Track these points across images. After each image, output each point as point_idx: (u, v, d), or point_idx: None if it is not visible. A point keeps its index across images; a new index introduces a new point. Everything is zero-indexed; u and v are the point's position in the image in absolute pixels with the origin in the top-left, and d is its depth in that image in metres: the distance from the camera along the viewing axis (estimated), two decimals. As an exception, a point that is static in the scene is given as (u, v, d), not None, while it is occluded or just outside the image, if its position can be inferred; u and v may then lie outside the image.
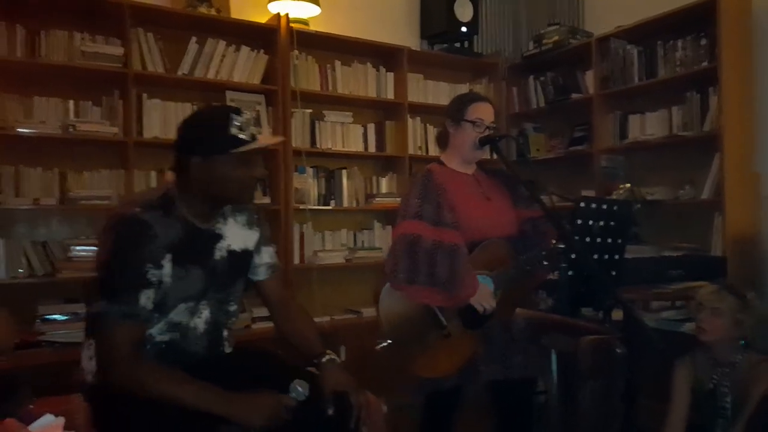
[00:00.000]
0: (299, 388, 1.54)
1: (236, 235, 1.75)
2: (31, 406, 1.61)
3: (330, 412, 1.57)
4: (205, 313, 1.68)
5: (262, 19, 3.62)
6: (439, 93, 4.20)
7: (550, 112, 4.28)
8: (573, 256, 1.93)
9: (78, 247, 2.94)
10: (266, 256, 1.85)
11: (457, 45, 4.30)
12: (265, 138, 1.92)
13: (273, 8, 3.59)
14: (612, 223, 1.97)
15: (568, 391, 2.64)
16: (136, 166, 3.14)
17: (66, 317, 2.84)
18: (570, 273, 1.94)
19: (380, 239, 3.98)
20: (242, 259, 1.78)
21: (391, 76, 4.02)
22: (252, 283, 1.86)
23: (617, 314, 2.01)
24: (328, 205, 3.80)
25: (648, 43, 3.53)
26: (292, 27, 3.53)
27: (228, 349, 1.78)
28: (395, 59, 4.00)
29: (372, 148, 3.98)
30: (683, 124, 3.38)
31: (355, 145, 3.92)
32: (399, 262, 2.05)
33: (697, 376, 2.20)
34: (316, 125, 3.78)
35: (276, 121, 3.56)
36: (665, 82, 3.45)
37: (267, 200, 3.52)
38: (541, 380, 2.59)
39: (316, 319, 2.74)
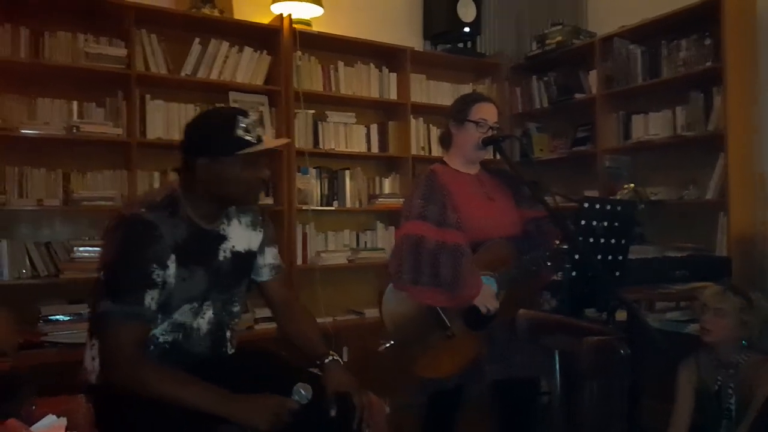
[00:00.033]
0: (302, 391, 1.54)
1: (240, 236, 1.75)
2: (34, 407, 1.61)
3: (333, 412, 1.56)
4: (209, 313, 1.68)
5: (265, 20, 3.62)
6: (441, 93, 4.20)
7: (553, 113, 4.27)
8: (576, 256, 1.93)
9: (81, 248, 2.95)
10: (270, 257, 1.85)
11: (460, 45, 4.30)
12: (271, 140, 1.92)
13: (276, 9, 3.59)
14: (616, 223, 1.97)
15: (571, 391, 2.63)
16: (140, 166, 3.14)
17: (69, 318, 2.85)
18: (573, 273, 1.93)
19: (383, 240, 3.97)
20: (246, 260, 1.78)
21: (393, 76, 4.02)
22: (255, 284, 1.86)
23: (621, 315, 2.01)
24: (331, 205, 3.80)
25: (651, 43, 3.52)
26: (294, 28, 3.53)
27: (231, 350, 1.78)
28: (398, 60, 4.00)
29: (375, 149, 3.98)
30: (687, 124, 3.37)
31: (358, 146, 3.92)
32: (402, 263, 2.05)
33: (701, 377, 2.20)
34: (319, 126, 3.78)
35: (279, 121, 3.56)
36: (669, 82, 3.44)
37: (270, 201, 3.52)
38: (544, 381, 2.58)
39: (319, 320, 2.74)
